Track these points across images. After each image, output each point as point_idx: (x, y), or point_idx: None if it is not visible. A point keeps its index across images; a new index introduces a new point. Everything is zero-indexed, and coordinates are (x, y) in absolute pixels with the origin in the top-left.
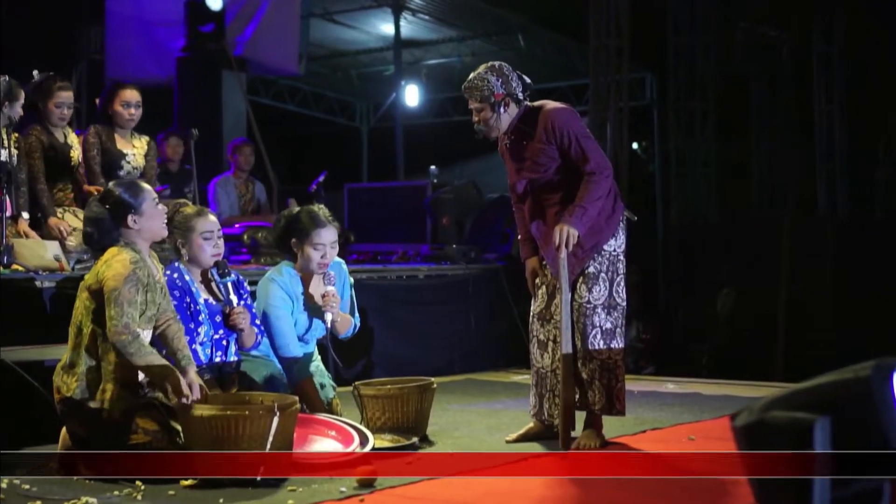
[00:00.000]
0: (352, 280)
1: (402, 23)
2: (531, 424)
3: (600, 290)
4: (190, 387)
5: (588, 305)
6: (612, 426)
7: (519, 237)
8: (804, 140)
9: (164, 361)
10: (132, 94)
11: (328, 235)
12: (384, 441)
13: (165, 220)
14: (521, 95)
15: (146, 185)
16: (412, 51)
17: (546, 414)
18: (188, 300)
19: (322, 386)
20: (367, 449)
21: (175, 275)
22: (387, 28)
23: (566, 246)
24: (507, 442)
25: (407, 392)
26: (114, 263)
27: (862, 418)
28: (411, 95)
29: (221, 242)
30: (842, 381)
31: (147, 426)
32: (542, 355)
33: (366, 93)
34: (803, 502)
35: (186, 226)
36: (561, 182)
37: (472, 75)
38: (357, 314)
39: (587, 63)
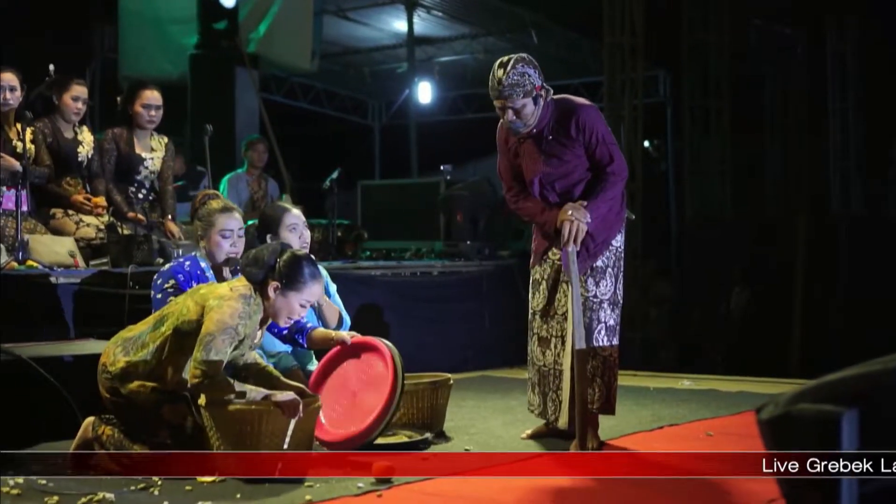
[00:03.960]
0: (334, 286)
1: (415, 20)
2: (542, 423)
3: (607, 285)
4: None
5: (595, 300)
6: (629, 422)
7: (531, 219)
8: (818, 138)
9: (239, 390)
10: (154, 96)
11: (297, 216)
12: (400, 437)
13: (289, 319)
14: (546, 86)
15: (318, 285)
16: (425, 48)
17: (550, 413)
18: (195, 285)
19: None
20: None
21: (187, 263)
22: (400, 25)
23: (574, 241)
24: (523, 438)
25: (422, 388)
26: (224, 307)
27: (891, 410)
28: (424, 93)
29: (242, 242)
30: (870, 373)
31: (171, 418)
32: (545, 353)
33: (378, 90)
34: (830, 497)
35: (208, 220)
36: (579, 179)
37: (506, 72)
38: (346, 314)
39: (600, 60)
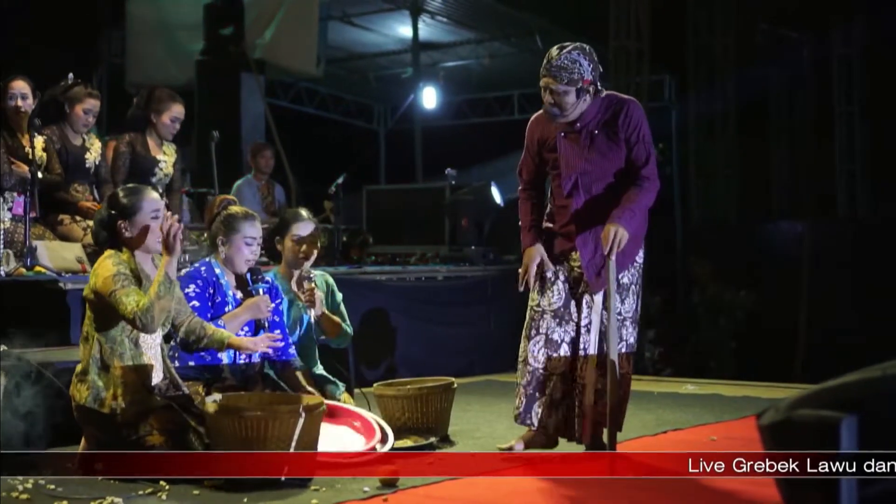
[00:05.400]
0: (340, 295)
1: (420, 25)
2: (524, 433)
3: (631, 303)
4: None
5: (619, 317)
6: (633, 427)
7: (521, 225)
8: (824, 141)
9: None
10: (181, 111)
11: (306, 229)
12: (404, 441)
13: (161, 238)
14: (599, 85)
15: (151, 196)
16: (430, 53)
17: (534, 419)
18: (212, 291)
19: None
20: (388, 447)
21: (203, 268)
22: (405, 30)
23: (617, 247)
24: (500, 449)
25: (426, 392)
26: (99, 271)
27: (890, 416)
28: (429, 98)
29: (258, 250)
30: (869, 380)
31: (162, 426)
32: (549, 356)
33: (383, 95)
34: (830, 500)
35: (232, 226)
36: (617, 181)
37: (559, 52)
38: (349, 325)
39: (606, 65)
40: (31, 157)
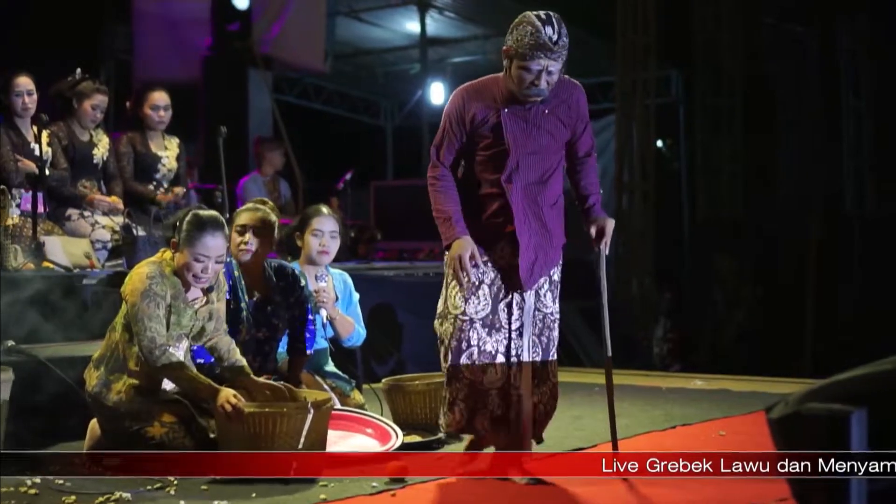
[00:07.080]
0: (357, 296)
1: (428, 20)
2: (471, 438)
3: (557, 302)
4: (223, 405)
5: (552, 317)
6: (641, 422)
7: (439, 214)
8: (831, 137)
9: (192, 375)
10: (161, 97)
11: (327, 223)
12: (413, 437)
13: (202, 283)
14: None
15: (207, 241)
16: (437, 49)
17: (479, 427)
18: (227, 298)
19: (334, 385)
20: (397, 444)
21: (222, 271)
22: (412, 26)
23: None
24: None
25: (435, 388)
26: (133, 277)
27: None
28: (437, 93)
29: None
30: (879, 373)
31: (165, 419)
32: (487, 369)
33: (391, 91)
34: (840, 496)
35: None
36: (554, 169)
37: (556, 31)
38: (363, 326)
39: (612, 60)
40: (39, 152)
